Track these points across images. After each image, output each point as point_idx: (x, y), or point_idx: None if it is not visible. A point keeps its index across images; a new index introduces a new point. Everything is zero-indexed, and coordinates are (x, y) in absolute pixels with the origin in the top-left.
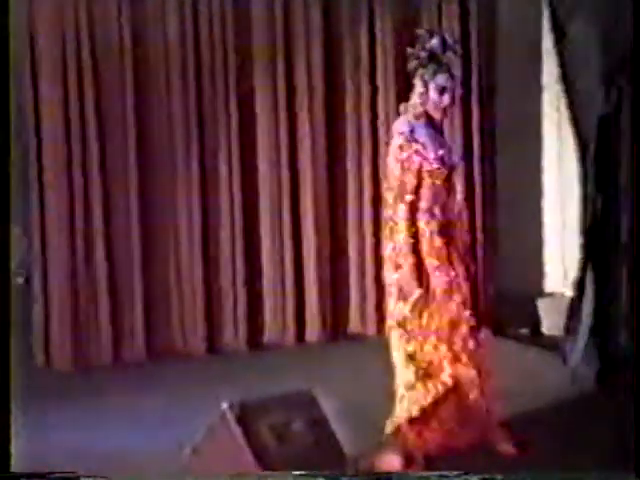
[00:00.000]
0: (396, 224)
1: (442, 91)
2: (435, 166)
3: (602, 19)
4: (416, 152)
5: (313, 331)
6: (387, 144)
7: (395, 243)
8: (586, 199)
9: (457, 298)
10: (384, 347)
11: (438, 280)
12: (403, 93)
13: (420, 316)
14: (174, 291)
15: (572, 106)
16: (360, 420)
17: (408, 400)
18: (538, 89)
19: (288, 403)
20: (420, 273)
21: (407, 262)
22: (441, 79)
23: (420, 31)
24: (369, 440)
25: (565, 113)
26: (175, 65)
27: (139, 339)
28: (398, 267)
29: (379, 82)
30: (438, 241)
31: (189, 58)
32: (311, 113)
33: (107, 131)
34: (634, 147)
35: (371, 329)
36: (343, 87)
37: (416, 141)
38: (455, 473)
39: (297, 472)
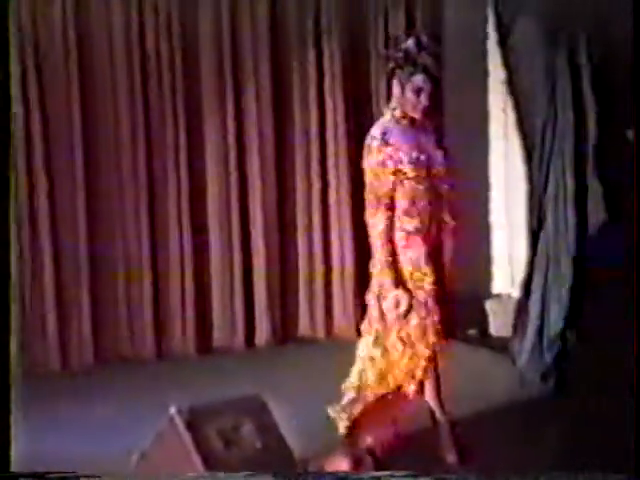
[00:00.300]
0: (374, 226)
1: (419, 92)
2: (409, 168)
3: (545, 23)
4: (389, 155)
5: (262, 335)
6: (336, 153)
7: (374, 245)
8: (532, 200)
9: (429, 299)
10: (333, 350)
11: (414, 281)
12: (352, 104)
13: (400, 317)
14: (122, 296)
15: (518, 107)
16: (310, 424)
17: (361, 400)
18: (485, 91)
19: (237, 407)
20: (397, 274)
21: (384, 263)
22: (417, 80)
23: (398, 33)
24: (319, 444)
25: (511, 114)
26: (122, 76)
27: (87, 345)
28: (375, 267)
29: (327, 96)
30: (415, 243)
31: (135, 69)
32: (259, 117)
33: (52, 137)
34: (634, 149)
35: (320, 332)
36: (291, 100)
37: (388, 144)
38: (403, 473)
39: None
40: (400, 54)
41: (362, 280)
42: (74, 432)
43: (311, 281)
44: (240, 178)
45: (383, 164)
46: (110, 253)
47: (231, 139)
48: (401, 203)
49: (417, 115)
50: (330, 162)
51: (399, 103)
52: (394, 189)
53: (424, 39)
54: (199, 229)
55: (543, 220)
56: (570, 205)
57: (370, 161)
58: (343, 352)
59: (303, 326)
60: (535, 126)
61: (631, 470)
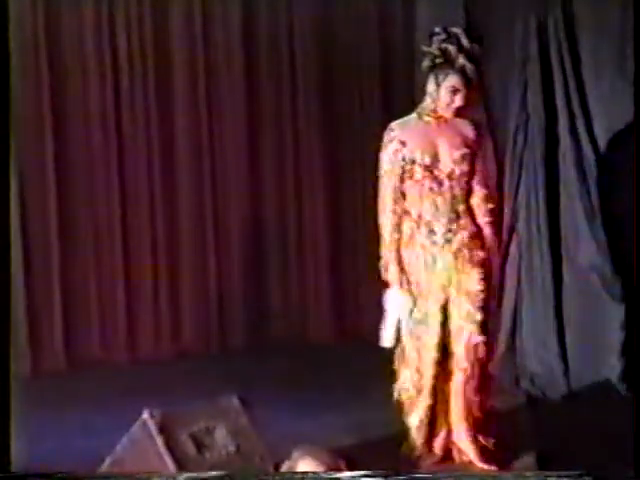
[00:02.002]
0: (381, 225)
1: (454, 92)
2: (414, 167)
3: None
4: (395, 150)
5: (236, 338)
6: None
7: (383, 243)
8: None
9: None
10: (306, 353)
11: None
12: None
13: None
14: (94, 299)
15: (489, 112)
16: (284, 426)
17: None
18: None
19: (211, 411)
20: (402, 274)
21: (392, 262)
22: (453, 80)
23: (437, 29)
24: (292, 447)
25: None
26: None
27: (58, 348)
28: (386, 268)
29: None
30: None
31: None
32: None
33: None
34: (634, 149)
35: (294, 335)
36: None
37: (398, 140)
38: (374, 473)
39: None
40: (438, 52)
41: (336, 281)
42: (44, 437)
43: (285, 284)
44: (213, 184)
45: (390, 158)
46: (82, 258)
47: (205, 137)
48: (407, 200)
49: (448, 114)
50: (303, 163)
51: (431, 100)
52: (401, 187)
53: (465, 41)
54: (173, 233)
55: (514, 227)
56: (542, 212)
57: (381, 155)
58: (317, 355)
59: (278, 329)
60: (507, 132)
61: (631, 470)
